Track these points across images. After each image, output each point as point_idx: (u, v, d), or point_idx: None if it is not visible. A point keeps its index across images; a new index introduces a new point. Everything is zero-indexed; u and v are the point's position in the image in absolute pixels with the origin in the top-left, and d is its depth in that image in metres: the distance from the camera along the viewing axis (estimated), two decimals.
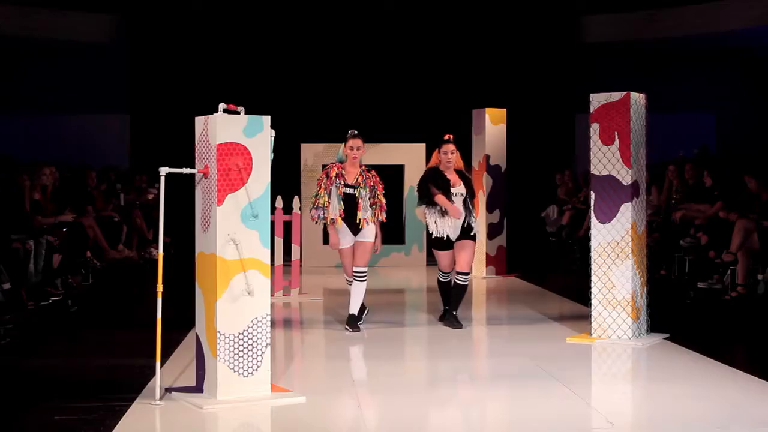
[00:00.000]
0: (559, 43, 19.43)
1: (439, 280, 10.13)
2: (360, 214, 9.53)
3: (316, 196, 9.58)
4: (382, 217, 9.65)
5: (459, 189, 9.69)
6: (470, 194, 9.79)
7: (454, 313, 9.89)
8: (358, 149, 9.59)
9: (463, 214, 9.65)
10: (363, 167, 9.70)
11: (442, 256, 9.86)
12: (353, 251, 9.69)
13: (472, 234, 9.72)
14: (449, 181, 9.66)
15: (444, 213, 9.61)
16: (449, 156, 9.69)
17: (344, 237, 9.64)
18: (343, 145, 9.68)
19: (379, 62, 18.90)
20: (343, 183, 9.54)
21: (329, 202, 9.52)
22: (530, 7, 19.28)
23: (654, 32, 19.05)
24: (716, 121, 20.36)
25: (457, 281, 9.78)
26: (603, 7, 19.48)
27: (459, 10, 19.12)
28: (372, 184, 9.61)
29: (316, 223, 9.76)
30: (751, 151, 15.00)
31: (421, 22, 19.04)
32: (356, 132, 9.70)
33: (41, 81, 19.58)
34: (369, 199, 9.55)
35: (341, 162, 9.68)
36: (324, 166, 9.97)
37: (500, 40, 19.09)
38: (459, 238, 9.71)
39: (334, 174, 9.56)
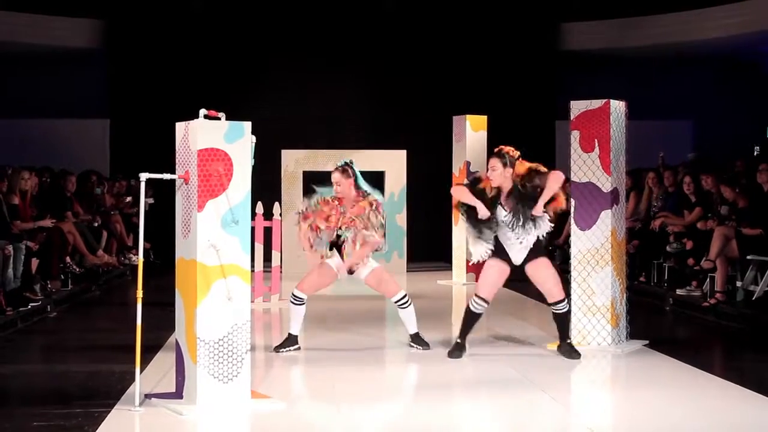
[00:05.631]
0: (539, 51, 19.49)
1: (468, 308, 8.57)
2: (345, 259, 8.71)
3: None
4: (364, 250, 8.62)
5: (501, 215, 8.36)
6: (523, 204, 8.23)
7: (568, 341, 8.64)
8: (337, 185, 8.55)
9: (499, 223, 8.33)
10: (360, 194, 8.58)
11: (490, 269, 8.46)
12: (372, 285, 8.95)
13: (537, 248, 8.38)
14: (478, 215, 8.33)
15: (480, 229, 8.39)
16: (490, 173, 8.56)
17: (335, 261, 8.88)
18: None
19: (360, 68, 18.91)
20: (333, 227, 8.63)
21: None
22: (510, 15, 19.34)
23: (634, 40, 19.14)
24: (694, 128, 20.45)
25: (554, 311, 8.58)
26: (583, 15, 19.56)
27: (439, 18, 19.16)
28: (352, 220, 8.56)
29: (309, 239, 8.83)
30: (729, 159, 15.04)
31: (402, 29, 19.07)
32: (337, 164, 8.65)
33: (21, 85, 19.51)
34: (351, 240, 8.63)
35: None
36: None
37: (481, 47, 19.14)
38: (526, 260, 8.47)
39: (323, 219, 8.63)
